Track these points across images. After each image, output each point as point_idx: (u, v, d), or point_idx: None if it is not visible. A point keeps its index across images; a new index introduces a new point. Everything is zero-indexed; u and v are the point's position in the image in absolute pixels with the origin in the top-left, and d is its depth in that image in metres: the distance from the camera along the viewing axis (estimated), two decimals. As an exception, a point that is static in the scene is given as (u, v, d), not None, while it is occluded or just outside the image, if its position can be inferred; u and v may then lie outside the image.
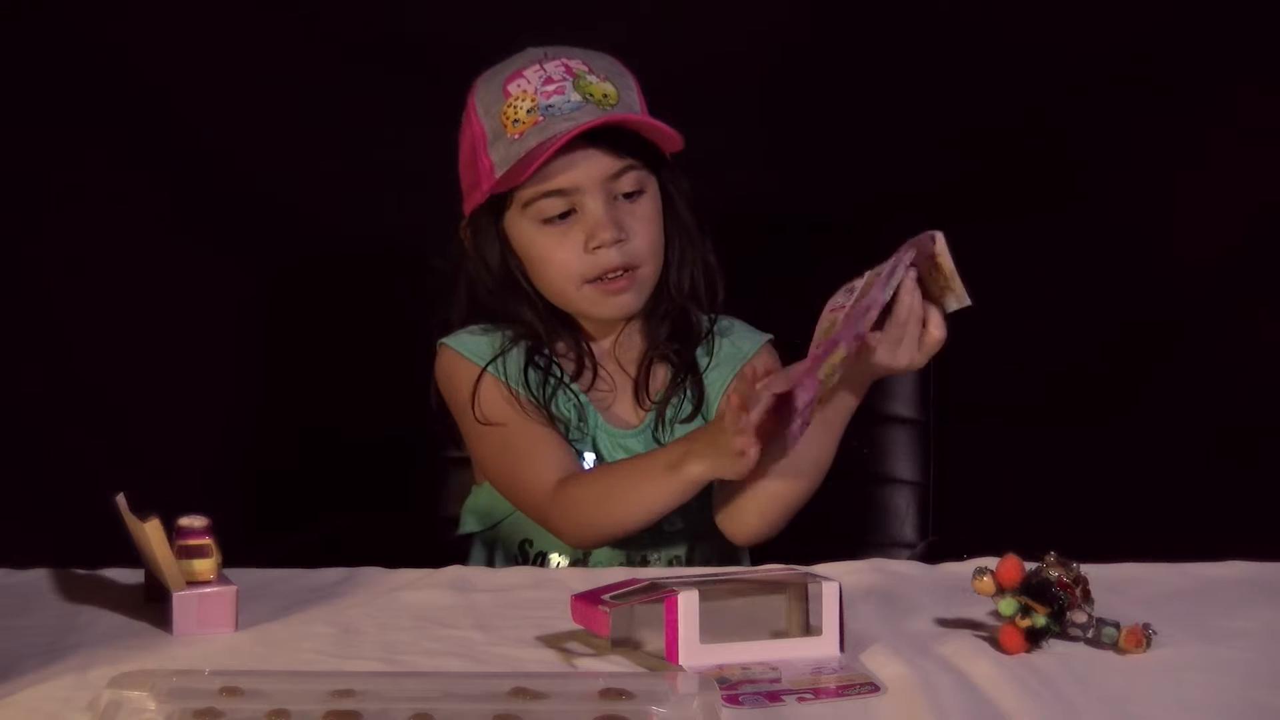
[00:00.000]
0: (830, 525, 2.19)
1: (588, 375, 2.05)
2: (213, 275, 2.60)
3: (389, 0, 2.60)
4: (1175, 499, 2.59)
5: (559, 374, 2.02)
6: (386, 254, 2.48)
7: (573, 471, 1.98)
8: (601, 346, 2.07)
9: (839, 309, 1.76)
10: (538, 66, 1.99)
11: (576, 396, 2.03)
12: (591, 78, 1.99)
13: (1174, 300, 2.63)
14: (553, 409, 2.01)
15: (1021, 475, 2.62)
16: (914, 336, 1.78)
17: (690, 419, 2.04)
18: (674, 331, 2.06)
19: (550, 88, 1.97)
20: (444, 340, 2.06)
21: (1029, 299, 2.63)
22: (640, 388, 2.05)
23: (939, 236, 1.75)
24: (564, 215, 1.99)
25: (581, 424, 2.02)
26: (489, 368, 2.01)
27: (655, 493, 1.89)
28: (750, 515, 1.95)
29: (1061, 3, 2.62)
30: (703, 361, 2.06)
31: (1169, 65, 2.59)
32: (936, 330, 1.80)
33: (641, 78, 2.04)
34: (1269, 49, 2.58)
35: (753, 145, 2.61)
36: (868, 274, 1.76)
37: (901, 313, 1.77)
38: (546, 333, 2.03)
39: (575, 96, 1.97)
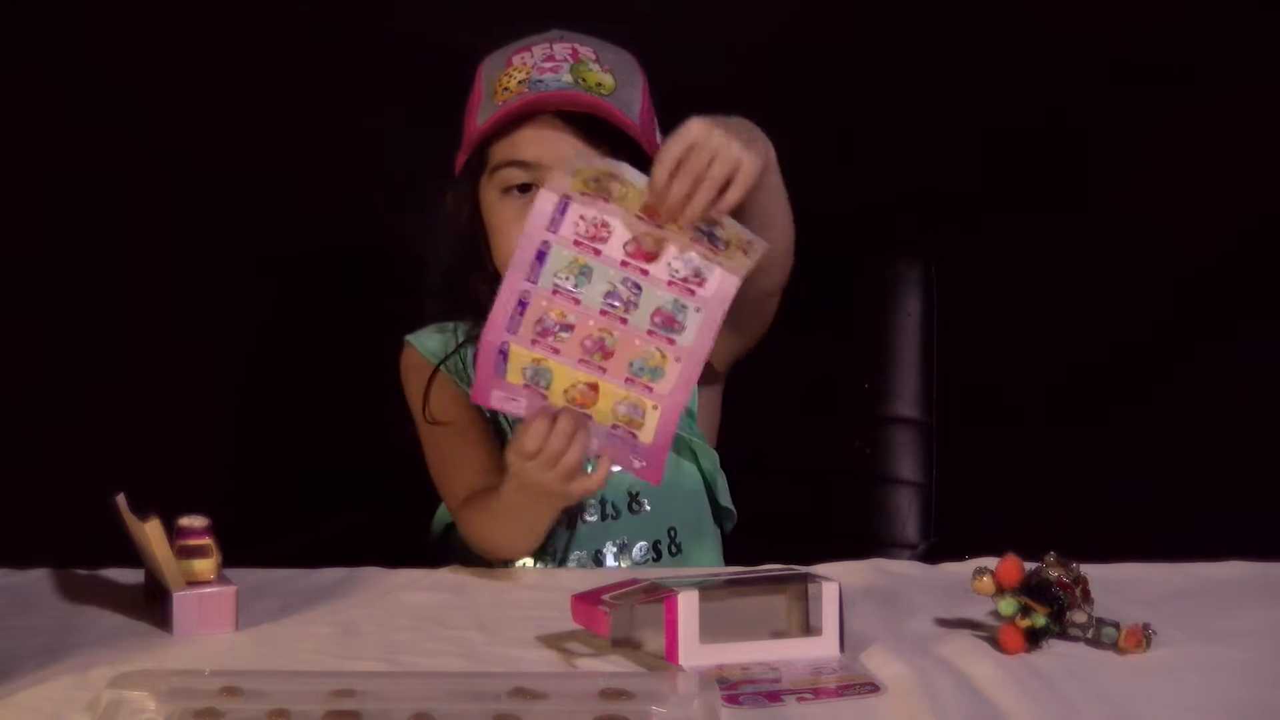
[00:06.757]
0: (832, 525, 2.20)
1: None
2: (212, 274, 2.60)
3: (393, 1, 2.60)
4: (1175, 499, 2.59)
5: None
6: (386, 254, 2.48)
7: (485, 486, 1.91)
8: None
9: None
10: (547, 45, 1.96)
11: None
12: (594, 65, 1.95)
13: (1174, 300, 2.62)
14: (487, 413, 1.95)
15: (1022, 475, 2.62)
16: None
17: None
18: None
19: (548, 65, 1.94)
20: (408, 337, 2.04)
21: (1030, 299, 2.63)
22: None
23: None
24: (524, 189, 1.93)
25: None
26: (442, 366, 1.98)
27: (523, 522, 1.86)
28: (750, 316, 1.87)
29: (1062, 2, 2.62)
30: None
31: (1171, 65, 2.59)
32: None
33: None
34: (1271, 49, 2.58)
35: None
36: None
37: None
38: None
39: (567, 78, 1.93)
